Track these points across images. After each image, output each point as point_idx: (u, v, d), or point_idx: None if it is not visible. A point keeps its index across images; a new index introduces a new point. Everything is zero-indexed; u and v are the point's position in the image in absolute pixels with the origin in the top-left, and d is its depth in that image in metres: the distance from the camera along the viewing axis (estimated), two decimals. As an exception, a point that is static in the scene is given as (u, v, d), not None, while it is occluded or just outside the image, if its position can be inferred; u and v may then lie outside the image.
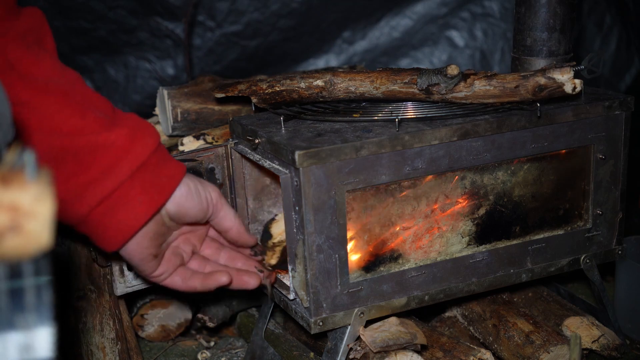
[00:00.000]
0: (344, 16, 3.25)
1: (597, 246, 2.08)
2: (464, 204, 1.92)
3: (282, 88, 1.95)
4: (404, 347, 1.85)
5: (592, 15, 3.31)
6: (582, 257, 2.07)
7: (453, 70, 1.80)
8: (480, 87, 1.81)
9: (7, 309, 0.79)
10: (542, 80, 1.76)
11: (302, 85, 1.93)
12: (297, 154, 1.67)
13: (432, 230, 1.90)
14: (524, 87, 1.79)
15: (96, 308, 2.01)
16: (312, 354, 2.05)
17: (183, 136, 2.40)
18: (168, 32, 3.10)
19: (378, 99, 1.93)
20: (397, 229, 1.86)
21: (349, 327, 1.83)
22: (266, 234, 2.03)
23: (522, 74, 1.81)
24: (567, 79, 1.73)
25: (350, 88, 1.91)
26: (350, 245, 1.80)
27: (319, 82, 1.92)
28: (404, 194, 1.84)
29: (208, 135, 2.34)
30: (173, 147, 2.45)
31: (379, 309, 1.86)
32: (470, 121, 1.83)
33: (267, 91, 1.96)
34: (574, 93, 1.74)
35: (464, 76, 1.82)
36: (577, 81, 1.73)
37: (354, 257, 1.83)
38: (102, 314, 2.00)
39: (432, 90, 1.83)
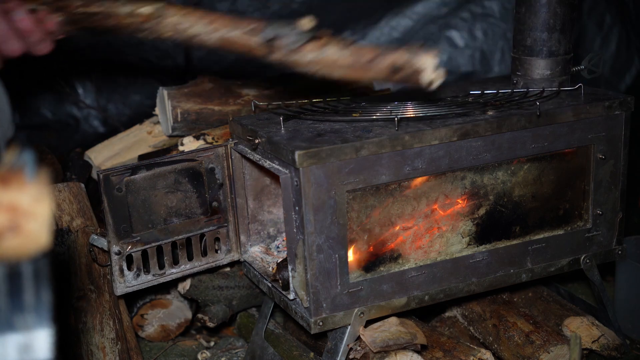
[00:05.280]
0: (344, 16, 3.24)
1: (597, 246, 2.08)
2: (464, 204, 1.91)
3: (98, 9, 1.63)
4: (404, 347, 1.85)
5: (592, 15, 3.31)
6: (582, 257, 2.07)
7: (306, 24, 1.54)
8: (331, 52, 1.55)
9: (6, 309, 0.79)
10: (400, 60, 1.49)
11: (124, 10, 1.62)
12: (297, 154, 1.67)
13: (432, 230, 1.90)
14: (380, 63, 1.52)
15: (96, 308, 2.01)
16: (312, 354, 2.05)
17: (183, 136, 2.40)
18: (168, 32, 3.10)
19: (209, 47, 1.64)
20: (397, 229, 1.86)
21: (349, 327, 1.82)
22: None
23: (385, 47, 1.55)
24: (429, 65, 1.47)
25: (181, 26, 1.62)
26: (350, 245, 1.80)
27: (145, 10, 1.60)
28: (404, 194, 1.84)
29: (208, 135, 2.34)
30: (173, 147, 2.45)
31: (379, 309, 1.86)
32: (470, 121, 1.83)
33: (79, 10, 1.64)
34: (429, 86, 1.48)
35: (314, 36, 1.56)
36: (440, 73, 1.47)
37: (354, 257, 1.83)
38: (102, 314, 2.00)
39: (277, 43, 1.56)
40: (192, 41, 1.62)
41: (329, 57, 1.56)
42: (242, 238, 2.08)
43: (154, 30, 1.62)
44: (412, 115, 1.86)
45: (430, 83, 1.48)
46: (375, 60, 1.52)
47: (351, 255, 1.81)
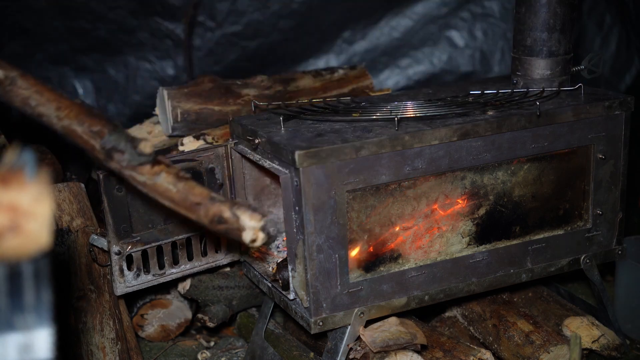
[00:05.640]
0: (344, 16, 3.24)
1: (597, 246, 2.08)
2: (464, 204, 1.91)
3: None
4: (404, 347, 1.85)
5: (592, 15, 3.30)
6: (582, 257, 2.07)
7: (146, 147, 1.52)
8: (164, 181, 1.54)
9: (6, 309, 0.79)
10: (226, 213, 1.45)
11: None
12: (297, 154, 1.67)
13: (432, 230, 1.90)
14: (205, 208, 1.49)
15: (96, 308, 2.01)
16: (312, 354, 2.05)
17: (183, 136, 2.40)
18: (168, 33, 3.10)
19: (55, 130, 1.62)
20: (397, 229, 1.86)
21: (349, 327, 1.82)
22: None
23: (213, 195, 1.51)
24: (251, 226, 1.43)
25: (31, 102, 1.55)
26: (350, 245, 1.80)
27: None
28: (404, 194, 1.84)
29: (208, 135, 2.34)
30: (173, 147, 2.45)
31: (379, 309, 1.86)
32: (470, 121, 1.83)
33: None
34: (251, 243, 1.45)
35: (155, 160, 1.54)
36: (261, 236, 1.44)
37: (354, 257, 1.82)
38: (102, 314, 2.00)
39: (114, 155, 1.54)
40: (40, 119, 1.57)
41: (160, 185, 1.55)
42: (242, 238, 2.08)
43: (5, 95, 1.56)
44: (412, 115, 1.86)
45: (253, 241, 1.45)
46: (202, 205, 1.50)
47: (351, 255, 1.81)
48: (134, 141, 1.52)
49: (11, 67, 1.56)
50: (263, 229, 1.44)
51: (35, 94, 1.55)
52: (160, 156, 1.58)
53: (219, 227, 1.49)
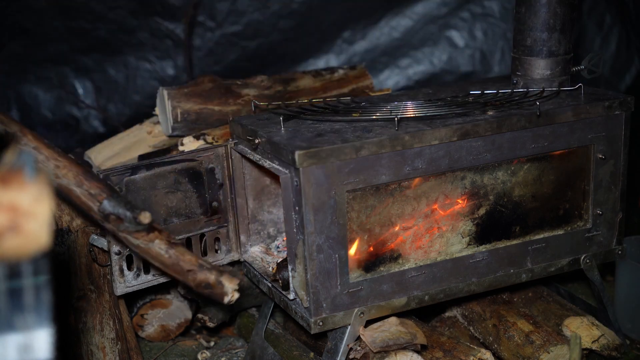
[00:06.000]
0: (344, 16, 3.25)
1: (597, 246, 2.08)
2: (464, 204, 1.91)
3: None
4: (404, 347, 1.85)
5: (592, 15, 3.31)
6: (582, 257, 2.07)
7: (145, 218, 1.59)
8: (157, 247, 1.64)
9: (6, 309, 0.79)
10: (212, 279, 1.60)
11: None
12: (297, 154, 1.67)
13: (432, 230, 1.90)
14: (194, 275, 1.62)
15: (96, 308, 2.01)
16: (312, 354, 2.05)
17: (183, 136, 2.40)
18: (168, 32, 3.10)
19: (55, 187, 1.65)
20: (397, 229, 1.86)
21: (349, 327, 1.82)
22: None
23: (201, 263, 1.64)
24: (231, 290, 1.61)
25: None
26: (350, 245, 1.80)
27: None
28: (404, 194, 1.84)
29: (208, 135, 2.34)
30: (173, 147, 2.45)
31: (379, 309, 1.86)
32: (470, 121, 1.83)
33: None
34: (228, 303, 1.64)
35: (150, 228, 1.63)
36: (236, 295, 1.63)
37: (354, 257, 1.82)
38: (102, 314, 2.00)
39: (111, 219, 1.60)
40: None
41: (153, 249, 1.63)
42: (242, 238, 2.08)
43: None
44: (412, 115, 1.86)
45: (229, 302, 1.62)
46: (192, 271, 1.62)
47: (351, 255, 1.81)
48: (133, 210, 1.58)
49: (15, 123, 1.57)
50: (238, 290, 1.61)
51: (33, 151, 1.57)
52: (155, 224, 1.65)
53: (205, 291, 1.63)
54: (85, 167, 1.64)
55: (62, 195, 1.65)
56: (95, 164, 2.62)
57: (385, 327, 1.87)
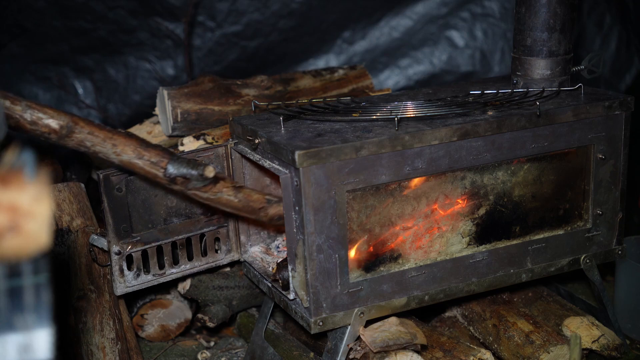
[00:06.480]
0: (344, 16, 3.24)
1: (597, 246, 2.08)
2: (464, 204, 1.91)
3: None
4: (404, 347, 1.85)
5: (592, 15, 3.30)
6: (582, 257, 2.07)
7: (210, 172, 1.69)
8: (225, 195, 1.78)
9: (6, 309, 0.79)
10: (282, 211, 1.75)
11: (27, 116, 1.56)
12: (297, 154, 1.67)
13: (432, 230, 1.90)
14: (265, 211, 1.83)
15: (96, 308, 2.01)
16: (312, 354, 2.05)
17: (183, 136, 2.40)
18: (168, 32, 3.10)
19: (114, 164, 1.73)
20: (397, 229, 1.86)
21: (349, 327, 1.82)
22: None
23: (269, 198, 1.83)
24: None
25: (86, 143, 1.63)
26: (350, 245, 1.80)
27: (52, 123, 1.57)
28: (404, 194, 1.84)
29: (208, 135, 2.34)
30: (173, 147, 2.45)
31: (379, 309, 1.86)
32: (470, 121, 1.83)
33: None
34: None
35: (215, 179, 1.74)
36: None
37: (354, 257, 1.82)
38: (102, 314, 2.00)
39: (177, 181, 1.69)
40: (97, 155, 1.65)
41: (223, 198, 1.76)
42: (242, 238, 2.08)
43: (61, 140, 1.60)
44: (412, 115, 1.86)
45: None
46: (262, 209, 1.80)
47: (351, 255, 1.81)
48: (197, 168, 1.67)
49: (63, 114, 1.60)
50: None
51: (89, 136, 1.62)
52: (219, 173, 1.76)
53: (278, 223, 1.84)
54: (140, 138, 1.69)
55: (127, 170, 1.72)
56: (96, 164, 2.62)
57: (385, 327, 1.87)
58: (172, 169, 1.67)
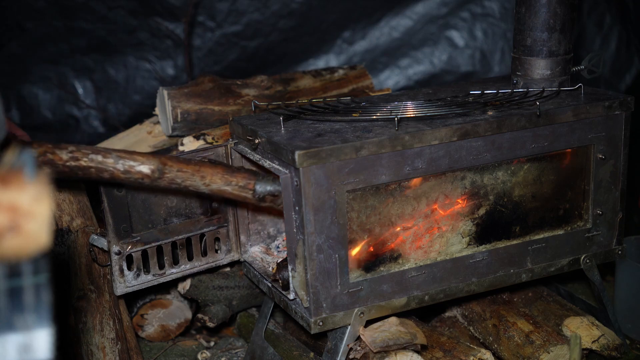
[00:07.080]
0: (344, 16, 3.25)
1: (597, 246, 2.08)
2: (464, 204, 1.91)
3: (89, 164, 1.58)
4: (404, 347, 1.85)
5: (592, 15, 3.31)
6: (582, 257, 2.07)
7: None
8: None
9: (6, 309, 0.79)
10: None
11: (120, 167, 1.60)
12: (297, 154, 1.67)
13: (432, 230, 1.90)
14: None
15: (96, 308, 2.01)
16: (312, 354, 2.05)
17: (183, 136, 2.40)
18: (168, 32, 3.10)
19: (203, 194, 1.78)
20: (397, 229, 1.86)
21: (349, 327, 1.82)
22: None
23: None
24: None
25: (177, 180, 1.69)
26: (350, 245, 1.80)
27: (144, 169, 1.62)
28: (404, 194, 1.84)
29: (208, 135, 2.34)
30: (173, 147, 2.45)
31: (379, 309, 1.86)
32: (470, 121, 1.83)
33: (67, 163, 1.58)
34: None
35: None
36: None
37: (354, 257, 1.82)
38: (102, 314, 2.00)
39: (268, 200, 1.80)
40: (187, 189, 1.72)
41: None
42: (242, 238, 2.08)
43: (154, 183, 1.66)
44: (412, 115, 1.86)
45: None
46: None
47: (351, 255, 1.81)
48: (280, 183, 1.73)
49: (151, 157, 1.63)
50: None
51: (179, 173, 1.67)
52: None
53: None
54: (224, 164, 1.77)
55: (217, 198, 1.80)
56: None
57: (385, 327, 1.87)
58: (260, 189, 1.76)
